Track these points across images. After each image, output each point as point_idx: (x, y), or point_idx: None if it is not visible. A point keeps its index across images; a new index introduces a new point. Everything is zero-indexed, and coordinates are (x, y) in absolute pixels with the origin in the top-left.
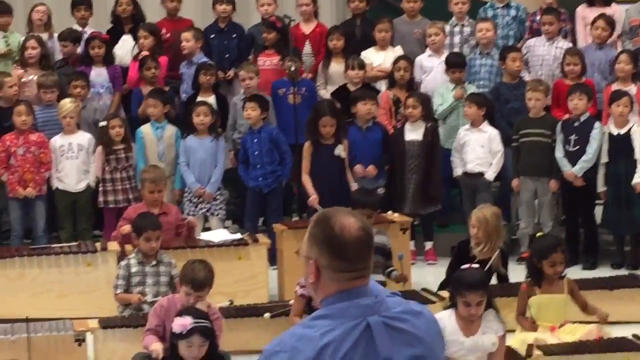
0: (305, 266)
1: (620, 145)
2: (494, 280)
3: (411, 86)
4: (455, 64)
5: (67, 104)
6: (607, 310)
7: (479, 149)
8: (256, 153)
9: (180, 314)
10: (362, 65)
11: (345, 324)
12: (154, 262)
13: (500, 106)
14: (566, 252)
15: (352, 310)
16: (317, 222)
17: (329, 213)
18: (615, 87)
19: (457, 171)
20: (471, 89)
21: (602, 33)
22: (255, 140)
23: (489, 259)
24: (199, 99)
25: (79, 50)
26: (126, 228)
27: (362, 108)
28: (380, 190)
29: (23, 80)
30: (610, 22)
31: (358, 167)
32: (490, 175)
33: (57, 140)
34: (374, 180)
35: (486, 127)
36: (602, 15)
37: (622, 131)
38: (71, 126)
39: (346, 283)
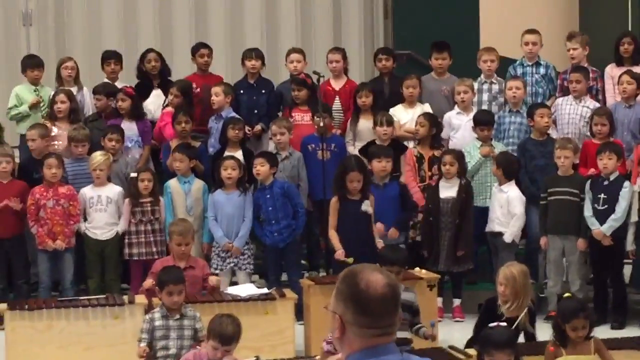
0: (332, 322)
1: None
2: (521, 339)
3: (436, 142)
4: (483, 121)
5: (97, 156)
6: None
7: (498, 210)
8: (270, 209)
9: None
10: (390, 122)
11: None
12: (177, 316)
13: (525, 162)
14: (591, 316)
15: None
16: (344, 277)
17: (357, 269)
18: None
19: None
20: (499, 146)
21: (628, 87)
22: (268, 196)
23: (517, 317)
24: (227, 153)
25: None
26: (148, 283)
27: (377, 165)
28: (402, 247)
29: (52, 134)
30: (636, 78)
31: (379, 225)
32: (507, 237)
33: (87, 192)
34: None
35: (507, 187)
36: (627, 72)
37: None
38: (101, 179)
39: (371, 340)
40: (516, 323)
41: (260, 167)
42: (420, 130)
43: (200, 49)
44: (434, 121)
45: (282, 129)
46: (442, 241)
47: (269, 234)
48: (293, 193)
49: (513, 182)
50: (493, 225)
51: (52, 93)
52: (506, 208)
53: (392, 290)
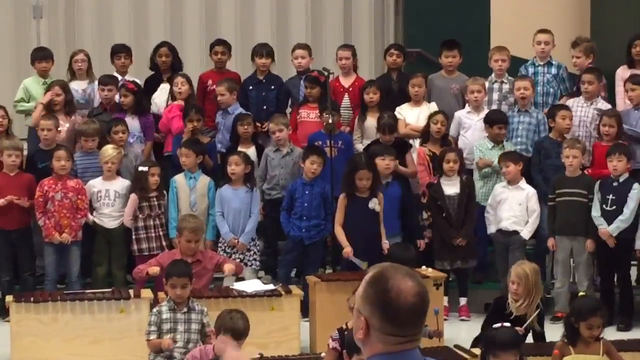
0: (356, 319)
1: None
2: (530, 338)
3: (444, 141)
4: (496, 120)
5: (109, 150)
6: None
7: (516, 207)
8: (305, 205)
9: None
10: (392, 129)
11: None
12: (185, 310)
13: (540, 160)
14: (606, 315)
15: None
16: (374, 281)
17: (388, 273)
18: None
19: (492, 228)
20: (509, 146)
21: (633, 94)
22: (307, 192)
23: (526, 316)
24: (239, 149)
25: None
26: (155, 269)
27: (381, 163)
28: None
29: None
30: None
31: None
32: (525, 234)
33: (95, 185)
34: (393, 235)
35: (524, 184)
36: (631, 77)
37: None
38: (112, 172)
39: (394, 346)
40: (528, 322)
41: (236, 167)
42: (442, 129)
43: (215, 46)
44: (448, 120)
45: (280, 125)
46: (452, 238)
47: (296, 228)
48: (330, 197)
49: (524, 180)
50: (507, 224)
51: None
52: (524, 205)
53: (422, 299)
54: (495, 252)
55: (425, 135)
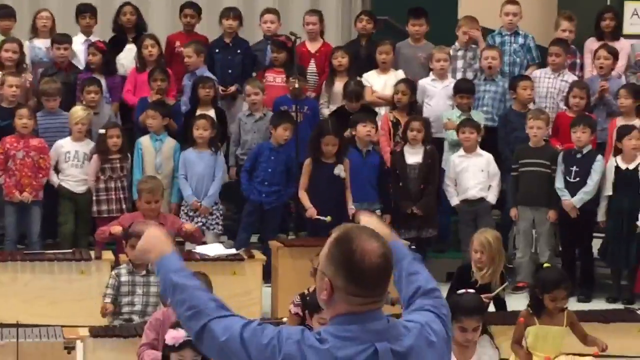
0: (319, 280)
1: (626, 180)
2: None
3: (412, 109)
4: (464, 89)
5: (79, 111)
6: None
7: (479, 174)
8: (269, 170)
9: (174, 326)
10: (358, 96)
11: (354, 347)
12: (143, 272)
13: (506, 133)
14: (570, 287)
15: (362, 334)
16: (339, 241)
17: (352, 234)
18: (620, 121)
19: (454, 200)
20: (478, 115)
21: (605, 62)
22: (273, 158)
23: (490, 284)
24: (199, 112)
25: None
26: (117, 228)
27: (362, 130)
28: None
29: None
30: (613, 52)
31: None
32: (492, 198)
33: (64, 145)
34: (371, 204)
35: (481, 151)
36: (604, 46)
37: (631, 166)
38: (82, 133)
39: (358, 307)
40: (495, 292)
41: (204, 131)
42: (403, 98)
43: (185, 9)
44: (413, 88)
45: (256, 89)
46: (410, 207)
47: (256, 192)
48: (294, 165)
49: (478, 146)
50: (474, 193)
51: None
52: (487, 171)
53: (387, 260)
54: (461, 222)
55: (393, 102)
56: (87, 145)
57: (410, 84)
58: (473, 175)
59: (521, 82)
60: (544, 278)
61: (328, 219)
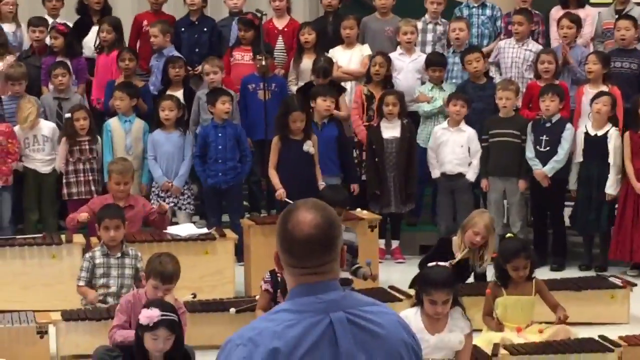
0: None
1: (595, 146)
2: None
3: (387, 83)
4: (435, 62)
5: (27, 105)
6: (574, 311)
7: (458, 150)
8: (220, 147)
9: (147, 305)
10: (327, 73)
11: (308, 320)
12: (118, 254)
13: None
14: (532, 256)
15: (316, 305)
16: (281, 215)
17: (293, 206)
18: (587, 88)
19: (435, 172)
20: (449, 87)
21: (569, 31)
22: (220, 135)
23: (468, 260)
24: (169, 92)
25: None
26: (83, 215)
27: (321, 104)
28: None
29: None
30: (575, 20)
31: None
32: (471, 175)
33: (22, 133)
34: (331, 176)
35: (464, 126)
36: (566, 14)
37: (600, 133)
38: (33, 122)
39: (302, 278)
40: (459, 258)
41: (169, 112)
42: (380, 70)
43: None
44: (389, 61)
45: (215, 68)
46: (388, 182)
47: (212, 174)
48: (244, 137)
49: (464, 121)
50: (450, 167)
51: None
52: (466, 147)
53: (321, 231)
54: (440, 195)
55: (368, 75)
56: (44, 128)
57: (386, 57)
58: (452, 150)
59: (467, 56)
60: (503, 248)
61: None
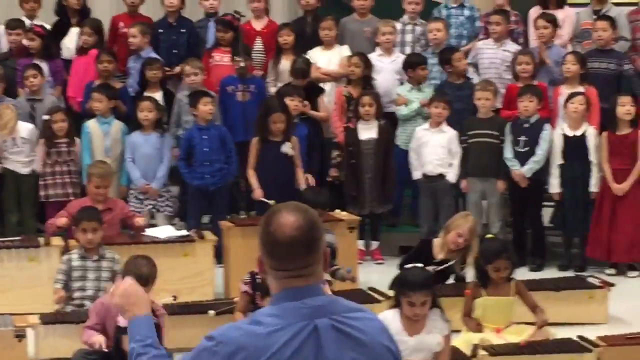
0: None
1: (575, 147)
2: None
3: (367, 84)
4: (416, 62)
5: (7, 112)
6: (553, 311)
7: (439, 150)
8: (206, 149)
9: None
10: (305, 74)
11: (293, 325)
12: (95, 257)
13: None
14: (512, 257)
15: (301, 310)
16: (263, 219)
17: (276, 210)
18: (563, 89)
19: (417, 174)
20: (428, 89)
21: (545, 32)
22: (205, 137)
23: (448, 260)
24: (146, 94)
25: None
26: (62, 220)
27: (289, 104)
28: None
29: None
30: (551, 20)
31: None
32: (452, 177)
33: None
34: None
35: (445, 127)
36: (542, 15)
37: (578, 133)
38: (12, 129)
39: (286, 281)
40: (463, 271)
41: (148, 113)
42: (356, 70)
43: None
44: (367, 62)
45: (195, 69)
46: (365, 183)
47: (198, 176)
48: (228, 138)
49: (445, 122)
50: (431, 168)
51: None
52: (447, 148)
53: (303, 233)
54: (422, 197)
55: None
56: (22, 130)
57: (364, 58)
58: (432, 150)
59: (453, 55)
60: (485, 249)
61: (272, 202)
